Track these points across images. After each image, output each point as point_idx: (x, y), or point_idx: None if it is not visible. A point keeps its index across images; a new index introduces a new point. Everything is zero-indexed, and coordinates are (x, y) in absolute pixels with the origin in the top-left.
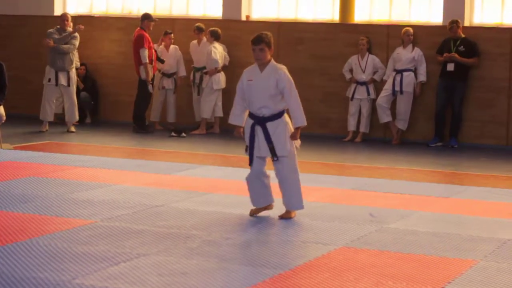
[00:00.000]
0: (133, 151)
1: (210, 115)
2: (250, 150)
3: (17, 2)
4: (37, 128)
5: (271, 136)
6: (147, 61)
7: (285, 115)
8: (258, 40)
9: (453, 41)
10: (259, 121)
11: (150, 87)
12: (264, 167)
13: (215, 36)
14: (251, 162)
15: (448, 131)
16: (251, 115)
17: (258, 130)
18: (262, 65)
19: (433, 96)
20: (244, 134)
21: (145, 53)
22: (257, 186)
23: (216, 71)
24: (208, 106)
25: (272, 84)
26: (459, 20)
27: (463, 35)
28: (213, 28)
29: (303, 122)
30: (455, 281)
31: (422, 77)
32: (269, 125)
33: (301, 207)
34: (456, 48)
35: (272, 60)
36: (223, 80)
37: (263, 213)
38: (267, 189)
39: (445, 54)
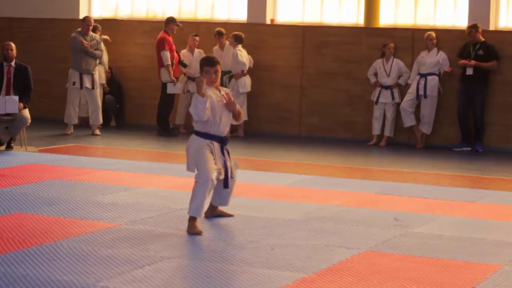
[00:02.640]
0: (157, 154)
1: None
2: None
3: (42, 5)
4: (62, 131)
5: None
6: (169, 62)
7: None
8: (214, 62)
9: (473, 45)
10: (222, 141)
11: (172, 87)
12: None
13: (238, 40)
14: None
15: (472, 135)
16: (207, 136)
17: (217, 148)
18: (216, 87)
19: (457, 100)
20: (206, 154)
21: (166, 54)
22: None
23: (243, 74)
24: None
25: None
26: (477, 24)
27: (483, 39)
28: (237, 32)
29: None
30: (479, 285)
31: (446, 66)
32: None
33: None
34: (475, 52)
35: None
36: (249, 83)
37: (288, 216)
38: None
39: (461, 60)
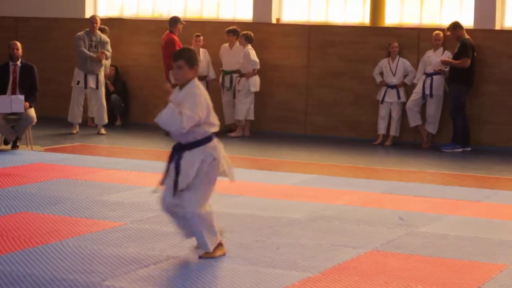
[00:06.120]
0: (163, 154)
1: (243, 118)
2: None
3: (48, 5)
4: (68, 130)
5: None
6: None
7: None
8: (176, 55)
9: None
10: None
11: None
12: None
13: (248, 40)
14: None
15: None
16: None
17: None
18: (181, 85)
19: None
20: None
21: None
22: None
23: (254, 73)
24: (244, 108)
25: None
26: (456, 23)
27: (466, 37)
28: (246, 32)
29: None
30: (485, 285)
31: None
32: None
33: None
34: (455, 51)
35: (194, 80)
36: (258, 82)
37: (293, 216)
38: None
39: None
